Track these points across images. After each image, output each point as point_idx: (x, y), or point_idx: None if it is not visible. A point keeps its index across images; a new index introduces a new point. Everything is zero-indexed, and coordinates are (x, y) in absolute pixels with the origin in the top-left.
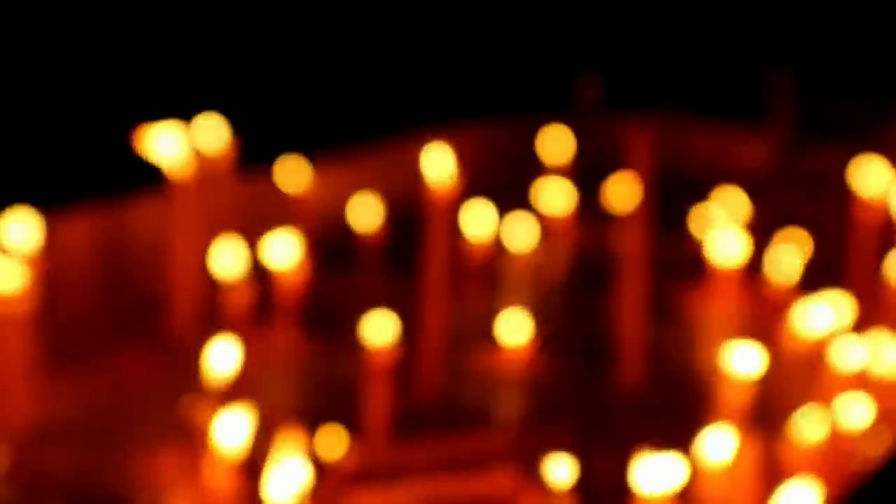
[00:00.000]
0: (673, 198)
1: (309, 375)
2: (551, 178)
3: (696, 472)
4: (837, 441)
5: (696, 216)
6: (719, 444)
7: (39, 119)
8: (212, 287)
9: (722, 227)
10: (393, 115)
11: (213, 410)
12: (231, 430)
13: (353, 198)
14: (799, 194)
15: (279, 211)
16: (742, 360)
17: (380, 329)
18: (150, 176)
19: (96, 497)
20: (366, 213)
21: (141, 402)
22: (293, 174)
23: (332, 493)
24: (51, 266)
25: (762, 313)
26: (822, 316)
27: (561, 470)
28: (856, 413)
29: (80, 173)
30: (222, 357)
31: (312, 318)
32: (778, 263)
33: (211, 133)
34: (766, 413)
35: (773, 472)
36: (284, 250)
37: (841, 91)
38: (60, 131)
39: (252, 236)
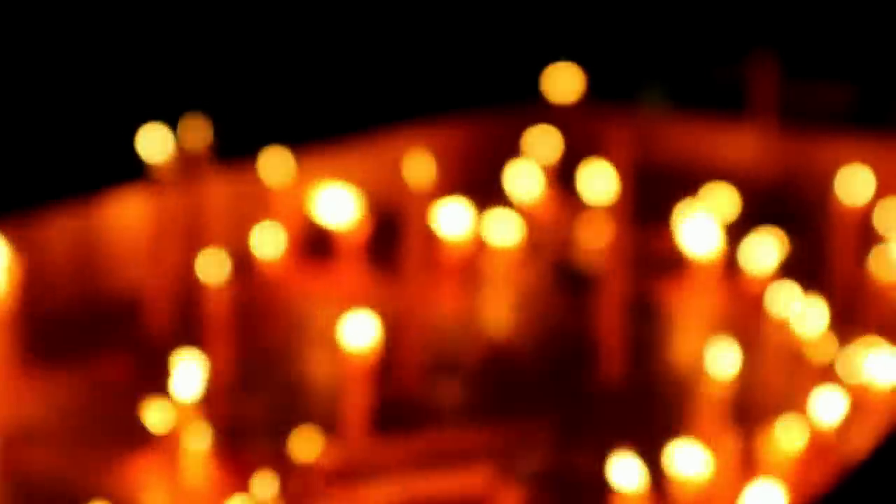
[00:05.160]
0: (653, 192)
1: (288, 373)
2: (530, 173)
3: (672, 469)
4: (815, 438)
5: (676, 210)
6: (692, 450)
7: (14, 119)
8: (191, 286)
9: (702, 222)
10: (374, 108)
11: (188, 414)
12: (202, 431)
13: (332, 192)
14: (782, 187)
15: (261, 207)
16: (718, 359)
17: (359, 329)
18: (127, 175)
19: (72, 498)
20: (338, 211)
21: (118, 403)
22: (275, 169)
23: (306, 492)
24: (28, 267)
25: (742, 308)
26: (801, 311)
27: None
28: (833, 409)
29: (57, 173)
30: (189, 373)
31: (292, 314)
32: (757, 258)
33: (193, 130)
34: (746, 410)
35: (751, 470)
36: (267, 245)
37: (823, 75)
38: (36, 131)
39: (233, 233)
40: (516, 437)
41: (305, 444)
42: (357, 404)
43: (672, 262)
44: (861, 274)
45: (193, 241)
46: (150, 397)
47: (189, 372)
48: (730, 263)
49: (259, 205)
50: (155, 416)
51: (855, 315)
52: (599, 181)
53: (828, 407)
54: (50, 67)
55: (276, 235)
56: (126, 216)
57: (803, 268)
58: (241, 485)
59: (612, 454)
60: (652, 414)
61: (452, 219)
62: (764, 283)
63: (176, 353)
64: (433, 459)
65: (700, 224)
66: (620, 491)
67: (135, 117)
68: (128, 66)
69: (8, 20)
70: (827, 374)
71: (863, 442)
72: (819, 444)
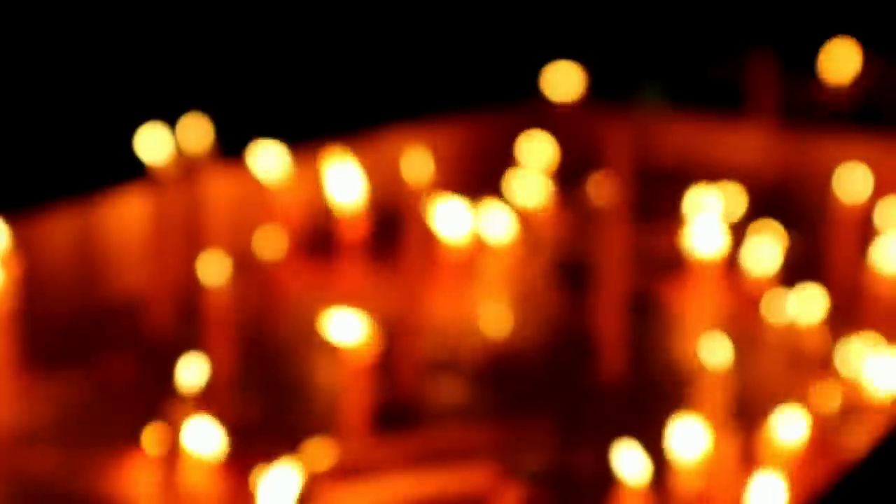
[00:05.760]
0: (652, 190)
1: (288, 372)
2: (529, 172)
3: (673, 465)
4: (815, 434)
5: (676, 209)
6: (695, 437)
7: (14, 119)
8: (192, 286)
9: (703, 220)
10: (373, 107)
11: (189, 414)
12: (203, 432)
13: (333, 175)
14: (781, 185)
15: (261, 207)
16: (716, 354)
17: (357, 328)
18: (127, 173)
19: (72, 499)
20: (346, 190)
21: (118, 403)
22: (273, 169)
23: (307, 492)
24: (28, 266)
25: (742, 306)
26: (801, 309)
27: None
28: (832, 406)
29: (57, 173)
30: (193, 370)
31: (292, 314)
32: (758, 256)
33: (193, 129)
34: (745, 406)
35: (751, 466)
36: (268, 245)
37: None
38: (36, 131)
39: (233, 233)
40: (516, 436)
41: (306, 445)
42: (357, 404)
43: (672, 261)
44: (860, 271)
45: (194, 241)
46: (151, 397)
47: (190, 371)
48: (730, 261)
49: (260, 204)
50: (156, 415)
51: (854, 311)
52: (599, 181)
53: (827, 403)
54: (50, 67)
55: (277, 235)
56: (126, 216)
57: (802, 265)
58: (242, 484)
59: (615, 447)
60: (652, 412)
61: (452, 217)
62: (764, 281)
63: (176, 353)
64: (433, 459)
65: (701, 222)
66: (624, 484)
67: (135, 116)
68: (128, 65)
69: (8, 20)
70: (826, 370)
71: (862, 438)
72: (818, 440)
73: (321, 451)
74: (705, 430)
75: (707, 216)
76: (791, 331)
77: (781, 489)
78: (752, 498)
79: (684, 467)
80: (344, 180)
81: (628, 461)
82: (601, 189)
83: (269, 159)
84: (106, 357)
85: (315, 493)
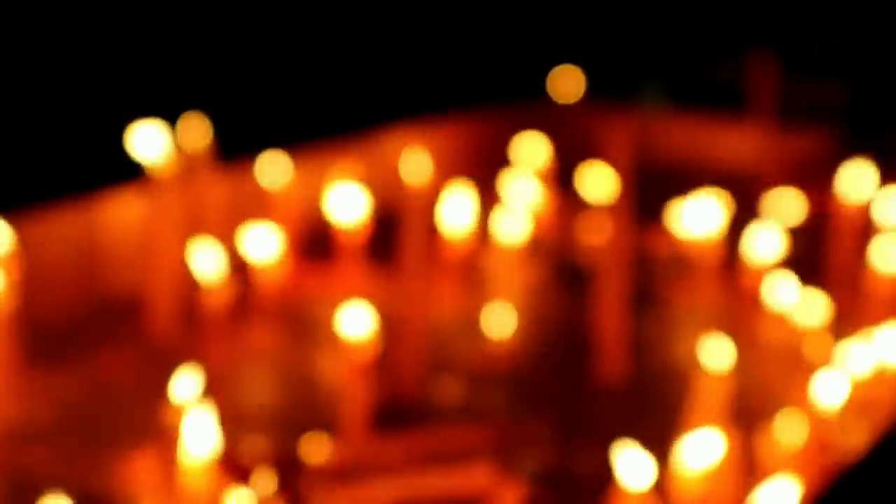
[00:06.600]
0: (653, 190)
1: (288, 372)
2: (529, 171)
3: (676, 467)
4: (816, 435)
5: (675, 207)
6: (700, 441)
7: (15, 118)
8: (191, 286)
9: (703, 220)
10: (372, 108)
11: (187, 411)
12: (203, 431)
13: (333, 192)
14: (780, 184)
15: (260, 207)
16: (716, 355)
17: (358, 324)
18: (126, 173)
19: (72, 498)
20: (347, 207)
21: (119, 402)
22: (273, 169)
23: (306, 491)
24: (27, 266)
25: (741, 304)
26: (800, 306)
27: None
28: (833, 405)
29: (56, 172)
30: (188, 372)
31: (292, 314)
32: (758, 257)
33: (191, 129)
34: (745, 406)
35: (751, 466)
36: (264, 245)
37: (822, 73)
38: (36, 131)
39: (232, 233)
40: (516, 435)
41: (306, 444)
42: (358, 401)
43: (672, 260)
44: (860, 268)
45: (193, 241)
46: (150, 396)
47: (189, 371)
48: (729, 260)
49: (259, 204)
50: (155, 414)
51: (854, 309)
52: (599, 180)
53: (827, 402)
54: (49, 66)
55: (276, 234)
56: (126, 215)
57: (803, 263)
58: (241, 484)
59: (617, 450)
60: (652, 411)
61: (451, 217)
62: (764, 281)
63: (175, 352)
64: (433, 458)
65: (701, 222)
66: (624, 487)
67: (134, 117)
68: (127, 66)
69: (7, 19)
70: (826, 368)
71: (862, 437)
72: (818, 440)
73: (321, 450)
74: (707, 433)
75: (707, 216)
76: (791, 330)
77: (788, 493)
78: (755, 499)
79: (684, 469)
80: (344, 194)
81: (628, 463)
82: (601, 189)
83: (268, 159)
84: (105, 356)
85: (314, 491)
